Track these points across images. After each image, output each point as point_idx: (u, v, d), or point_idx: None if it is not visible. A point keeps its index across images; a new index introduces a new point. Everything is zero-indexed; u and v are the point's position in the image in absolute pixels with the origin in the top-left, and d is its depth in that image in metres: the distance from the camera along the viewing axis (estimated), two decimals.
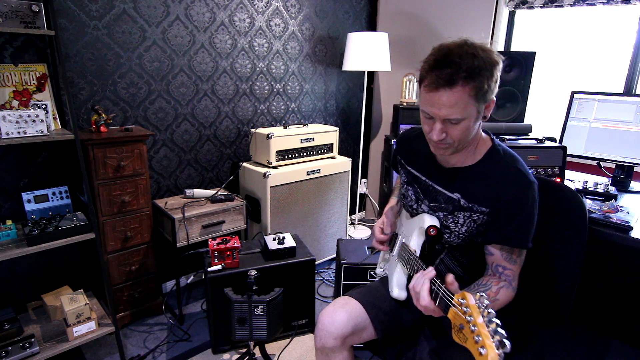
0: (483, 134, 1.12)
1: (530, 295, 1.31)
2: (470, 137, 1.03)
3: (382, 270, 1.44)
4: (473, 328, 0.73)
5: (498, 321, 0.72)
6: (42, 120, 1.48)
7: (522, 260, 1.07)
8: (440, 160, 1.16)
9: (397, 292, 1.21)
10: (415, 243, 1.18)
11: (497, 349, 0.69)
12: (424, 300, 0.92)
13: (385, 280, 1.34)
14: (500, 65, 0.99)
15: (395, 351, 1.23)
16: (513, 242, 1.04)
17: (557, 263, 1.25)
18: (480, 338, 0.71)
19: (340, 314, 1.19)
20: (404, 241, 1.26)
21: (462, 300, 0.80)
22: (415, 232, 1.19)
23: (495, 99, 1.01)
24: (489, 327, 0.72)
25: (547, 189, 1.30)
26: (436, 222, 1.14)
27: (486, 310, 0.75)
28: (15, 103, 1.64)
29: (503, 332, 0.70)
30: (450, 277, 0.90)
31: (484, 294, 0.78)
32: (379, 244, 1.34)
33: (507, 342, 0.69)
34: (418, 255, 1.15)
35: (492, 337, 0.71)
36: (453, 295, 0.84)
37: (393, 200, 1.45)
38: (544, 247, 1.26)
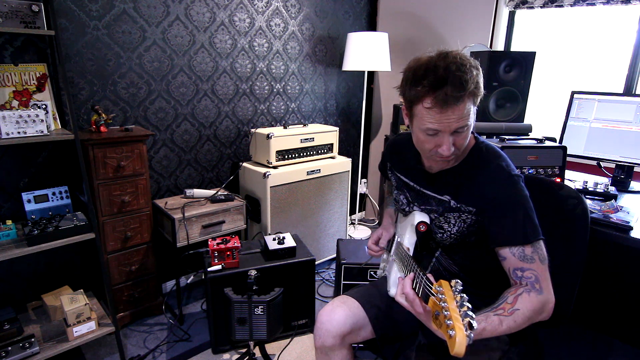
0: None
1: None
2: (465, 144, 1.03)
3: (382, 271, 1.44)
4: (446, 313, 0.72)
5: (469, 305, 0.71)
6: (42, 120, 1.49)
7: (542, 257, 0.97)
8: (427, 167, 1.15)
9: (394, 291, 1.22)
10: (408, 241, 1.18)
11: (466, 330, 0.68)
12: (407, 288, 0.90)
13: (384, 280, 1.35)
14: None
15: (394, 350, 1.24)
16: (518, 240, 0.98)
17: (558, 264, 1.25)
18: (450, 322, 0.70)
19: (339, 313, 1.20)
20: (398, 240, 1.27)
21: (439, 288, 0.79)
22: (407, 229, 1.20)
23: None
24: (460, 310, 0.71)
25: (549, 189, 1.29)
26: (426, 219, 1.14)
27: (459, 295, 0.74)
28: (15, 103, 1.64)
29: (472, 314, 0.69)
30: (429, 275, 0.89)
31: (458, 281, 0.76)
32: (371, 251, 1.37)
33: (475, 323, 0.68)
34: (412, 253, 1.16)
35: (462, 320, 0.70)
36: (432, 284, 0.81)
37: (391, 210, 1.45)
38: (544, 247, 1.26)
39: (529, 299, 0.93)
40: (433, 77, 0.92)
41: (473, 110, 0.98)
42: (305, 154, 2.47)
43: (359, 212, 3.54)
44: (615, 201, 1.58)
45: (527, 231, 0.98)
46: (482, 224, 1.04)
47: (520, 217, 0.99)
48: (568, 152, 1.66)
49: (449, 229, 1.10)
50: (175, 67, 2.19)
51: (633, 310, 1.87)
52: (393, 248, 1.32)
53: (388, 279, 1.27)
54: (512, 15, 2.73)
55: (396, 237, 1.32)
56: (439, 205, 1.12)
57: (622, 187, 1.81)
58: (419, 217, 1.15)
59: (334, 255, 2.72)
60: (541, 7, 2.52)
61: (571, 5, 2.41)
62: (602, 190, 1.66)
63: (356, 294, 1.28)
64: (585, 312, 2.00)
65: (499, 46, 2.74)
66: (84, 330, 1.65)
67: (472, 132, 1.09)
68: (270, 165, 2.32)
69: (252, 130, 2.43)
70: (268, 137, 2.27)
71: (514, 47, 2.77)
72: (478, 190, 1.04)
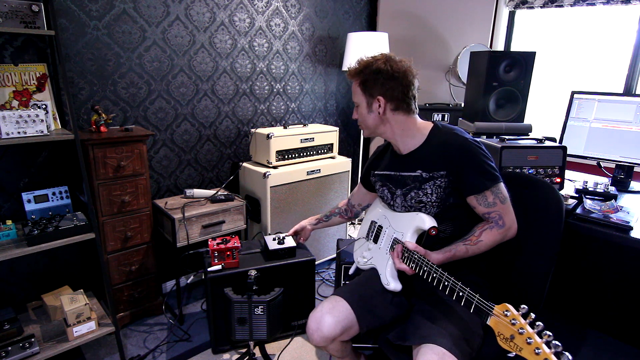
0: (427, 123, 1.32)
1: (504, 286, 1.35)
2: (368, 123, 1.31)
3: (365, 260, 1.45)
4: (529, 340, 0.82)
5: (549, 332, 0.81)
6: (42, 120, 1.49)
7: (502, 198, 1.20)
8: (396, 149, 1.36)
9: (394, 284, 1.27)
10: (410, 239, 1.25)
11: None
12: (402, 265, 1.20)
13: (372, 273, 1.39)
14: (395, 75, 1.23)
15: (383, 337, 1.29)
16: (476, 189, 1.19)
17: (531, 257, 1.28)
18: (540, 350, 0.80)
19: (328, 320, 1.25)
20: (395, 236, 1.30)
21: (507, 313, 0.87)
22: (410, 229, 1.26)
23: (384, 100, 1.25)
24: (541, 337, 0.81)
25: (525, 183, 1.34)
26: (434, 222, 1.22)
27: (535, 323, 0.83)
28: (15, 103, 1.64)
29: (558, 343, 0.79)
30: (412, 245, 1.19)
31: (525, 306, 0.87)
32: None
33: (569, 355, 0.78)
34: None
35: (550, 349, 0.79)
36: (493, 305, 0.94)
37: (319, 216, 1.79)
38: (519, 239, 1.28)
39: (492, 233, 1.20)
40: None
41: (362, 97, 1.28)
42: (305, 154, 2.47)
43: None
44: (615, 201, 1.58)
45: (484, 180, 1.19)
46: (455, 182, 1.22)
47: (478, 168, 1.19)
48: (568, 152, 1.66)
49: (429, 200, 1.26)
50: (175, 67, 2.19)
51: (634, 310, 1.87)
52: (384, 242, 1.35)
53: (383, 272, 1.32)
54: (512, 15, 2.73)
55: (387, 230, 1.36)
56: (414, 182, 1.29)
57: (622, 187, 1.81)
58: (430, 221, 1.22)
59: (334, 255, 2.72)
60: (541, 7, 2.52)
61: (571, 5, 2.42)
62: (602, 190, 1.66)
63: (347, 293, 1.32)
64: (587, 313, 2.00)
65: (499, 46, 2.74)
66: (84, 330, 1.65)
67: (433, 121, 1.33)
68: (270, 165, 2.32)
69: (252, 130, 2.43)
70: (268, 137, 2.27)
71: (514, 47, 2.77)
72: (443, 155, 1.22)
